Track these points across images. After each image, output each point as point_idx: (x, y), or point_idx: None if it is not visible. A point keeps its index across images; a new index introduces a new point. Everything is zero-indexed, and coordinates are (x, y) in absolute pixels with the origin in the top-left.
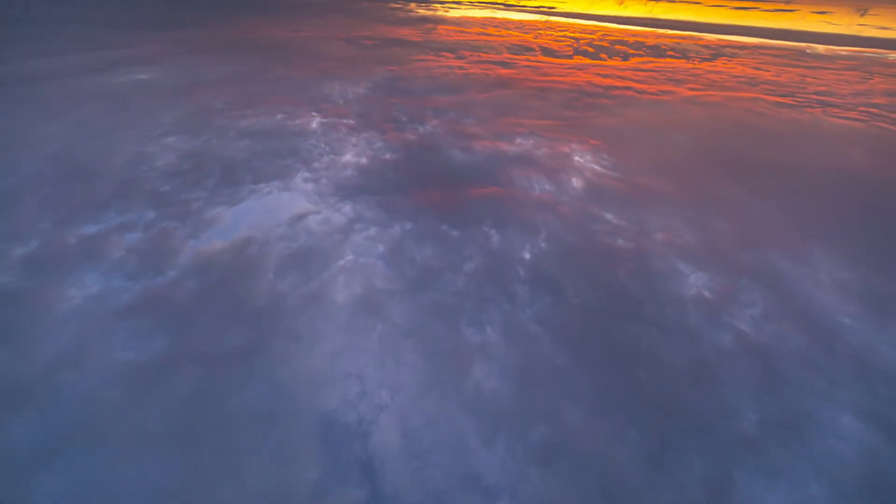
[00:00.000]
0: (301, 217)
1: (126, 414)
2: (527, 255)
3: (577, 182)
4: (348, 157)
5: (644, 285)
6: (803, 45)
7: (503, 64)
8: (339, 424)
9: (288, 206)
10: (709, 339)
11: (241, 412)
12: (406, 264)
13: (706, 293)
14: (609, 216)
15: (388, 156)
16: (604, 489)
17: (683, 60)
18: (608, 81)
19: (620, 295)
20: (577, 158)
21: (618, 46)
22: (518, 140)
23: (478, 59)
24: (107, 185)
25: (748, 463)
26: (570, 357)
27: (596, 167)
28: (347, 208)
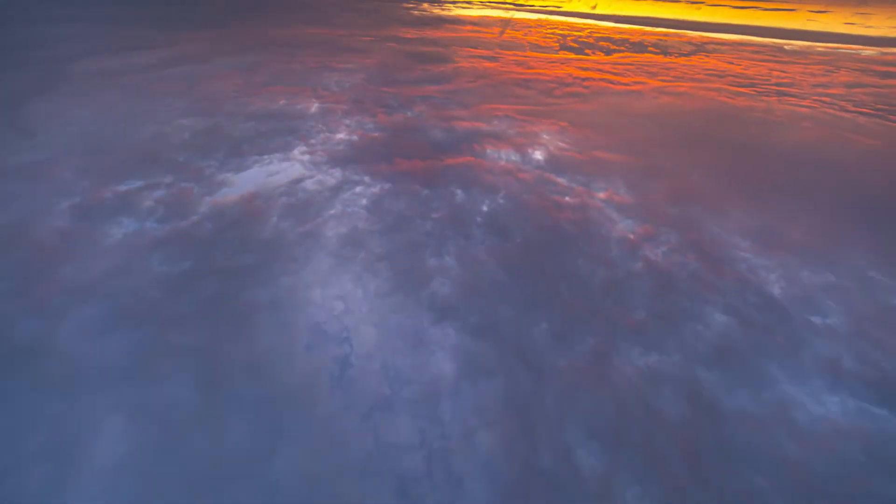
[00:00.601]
0: (299, 180)
1: (164, 305)
2: (484, 208)
3: (539, 154)
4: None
5: (579, 228)
6: (782, 41)
7: (490, 58)
8: (326, 308)
9: (288, 171)
10: (623, 265)
11: (251, 303)
12: (384, 213)
13: (630, 235)
14: (562, 180)
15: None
16: (517, 351)
17: (662, 56)
18: (587, 74)
19: (558, 235)
20: (544, 136)
21: (602, 43)
22: (494, 122)
23: (468, 53)
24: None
25: (631, 340)
26: (508, 275)
27: (560, 143)
28: (338, 173)
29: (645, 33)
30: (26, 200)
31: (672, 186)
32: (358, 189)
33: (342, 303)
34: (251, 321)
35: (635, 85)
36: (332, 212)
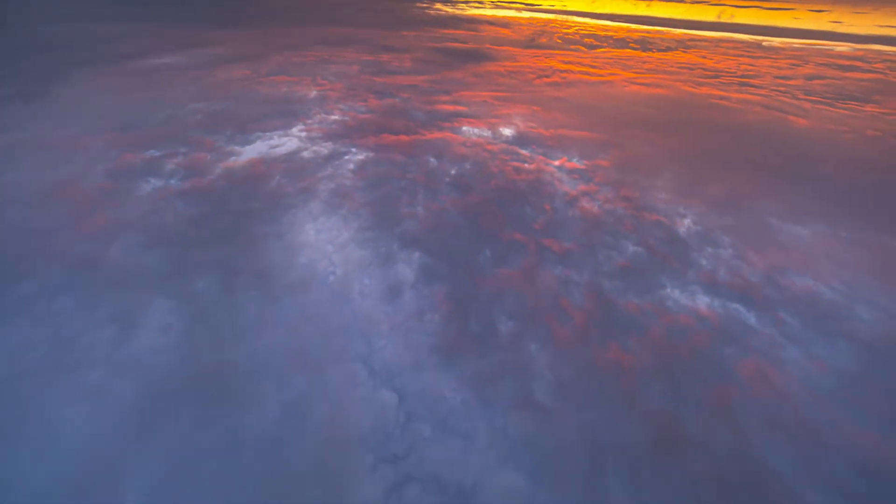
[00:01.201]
0: (297, 151)
1: (190, 234)
2: (453, 172)
3: (508, 131)
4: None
5: (530, 187)
6: (762, 38)
7: (480, 53)
8: (319, 237)
9: (287, 144)
10: (561, 211)
11: (259, 233)
12: (367, 174)
13: (573, 191)
14: (524, 151)
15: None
16: (464, 266)
17: (640, 51)
18: (566, 66)
19: (511, 191)
20: (515, 118)
21: (587, 39)
22: (473, 105)
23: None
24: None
25: (555, 261)
26: (465, 219)
27: (529, 123)
28: (329, 145)
29: (631, 30)
30: (83, 163)
31: (619, 156)
32: (345, 157)
33: (331, 233)
34: (259, 244)
35: (609, 76)
36: (323, 173)
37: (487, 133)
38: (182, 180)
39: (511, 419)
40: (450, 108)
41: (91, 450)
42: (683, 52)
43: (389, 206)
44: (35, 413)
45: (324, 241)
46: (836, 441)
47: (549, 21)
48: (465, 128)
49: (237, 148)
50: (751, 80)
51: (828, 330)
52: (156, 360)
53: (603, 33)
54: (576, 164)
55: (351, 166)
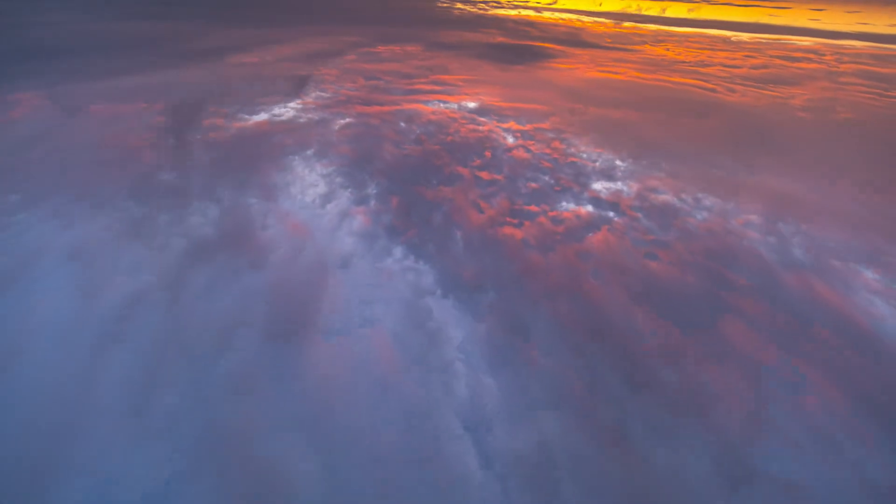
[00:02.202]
0: (293, 118)
1: (210, 172)
2: (417, 130)
3: (471, 104)
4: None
5: (478, 141)
6: (731, 33)
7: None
8: (309, 173)
9: (285, 113)
10: (498, 156)
11: (264, 170)
12: (348, 133)
13: (511, 142)
14: (482, 119)
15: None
16: (413, 186)
17: (607, 46)
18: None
19: (461, 143)
20: (481, 95)
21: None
22: (447, 85)
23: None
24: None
25: (482, 184)
26: (419, 160)
27: (493, 97)
28: (320, 113)
29: (607, 26)
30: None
31: (558, 121)
32: (332, 122)
33: (318, 170)
34: (263, 174)
35: (572, 65)
36: (314, 132)
37: (453, 105)
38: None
39: (433, 262)
40: (426, 86)
41: None
42: (651, 45)
43: (363, 154)
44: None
45: (313, 173)
46: (635, 266)
47: (585, 23)
48: (433, 100)
49: (245, 115)
50: (699, 69)
51: (665, 222)
52: (202, 230)
53: (580, 24)
54: (520, 126)
55: (335, 128)
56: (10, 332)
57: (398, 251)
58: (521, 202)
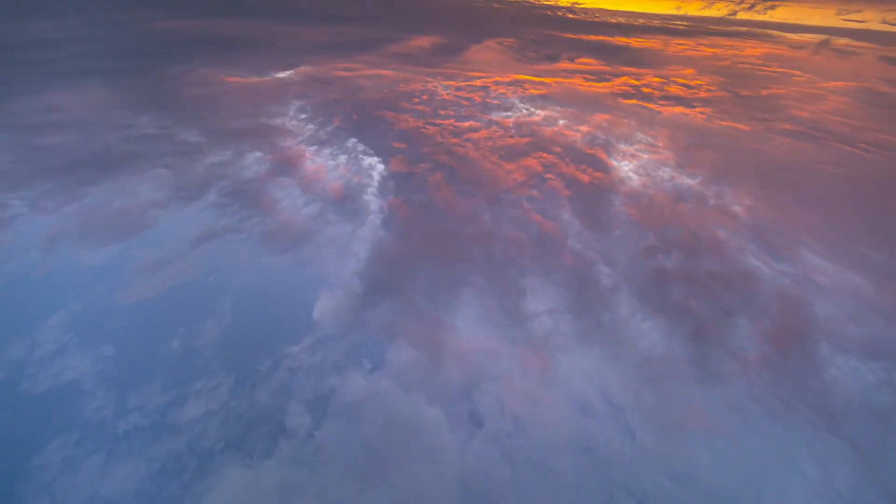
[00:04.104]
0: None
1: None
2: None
3: (442, 95)
4: None
5: (429, 93)
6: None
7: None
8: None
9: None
10: (437, 99)
11: (269, 119)
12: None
13: (446, 94)
14: (456, 96)
15: None
16: (377, 134)
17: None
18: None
19: (426, 110)
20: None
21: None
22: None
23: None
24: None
25: (439, 115)
26: (378, 100)
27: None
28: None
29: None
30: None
31: (495, 79)
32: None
33: (313, 122)
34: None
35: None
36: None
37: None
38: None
39: (371, 144)
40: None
41: None
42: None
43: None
44: None
45: (301, 122)
46: (496, 143)
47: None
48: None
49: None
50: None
51: (524, 130)
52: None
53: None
54: (457, 83)
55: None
56: None
57: (353, 140)
58: (458, 119)
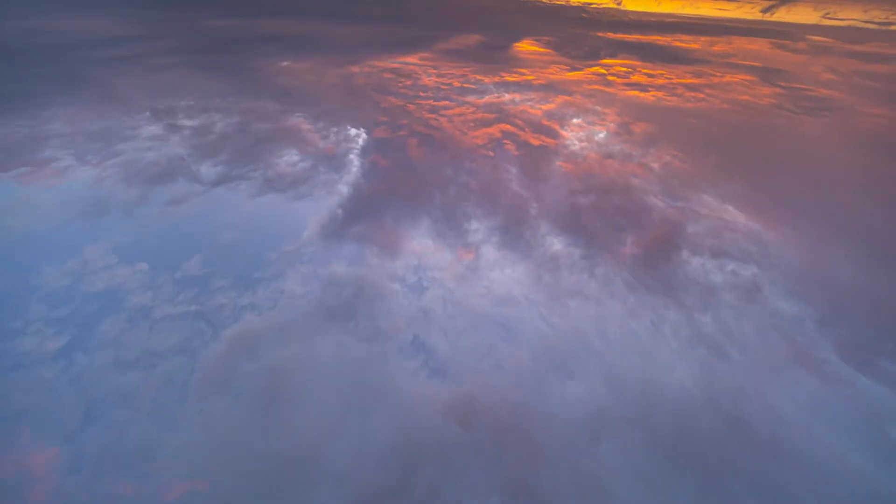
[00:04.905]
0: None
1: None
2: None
3: (428, 82)
4: None
5: (413, 78)
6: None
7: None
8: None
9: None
10: (419, 83)
11: (273, 96)
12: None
13: (427, 79)
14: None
15: None
16: (375, 98)
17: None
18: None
19: (403, 92)
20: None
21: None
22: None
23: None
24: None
25: (407, 95)
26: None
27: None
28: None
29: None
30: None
31: (474, 68)
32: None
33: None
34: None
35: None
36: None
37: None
38: None
39: (362, 126)
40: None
41: None
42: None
43: (332, 82)
44: None
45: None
46: (469, 118)
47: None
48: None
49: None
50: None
51: (492, 107)
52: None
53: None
54: (436, 72)
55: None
56: None
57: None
58: (440, 100)
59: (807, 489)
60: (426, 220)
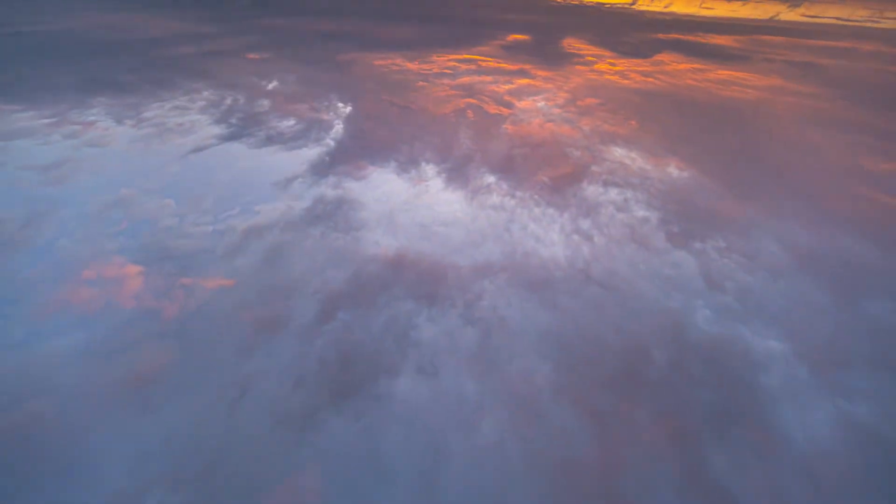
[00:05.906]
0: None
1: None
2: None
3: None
4: None
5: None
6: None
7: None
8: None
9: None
10: (409, 73)
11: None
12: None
13: (413, 66)
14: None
15: None
16: (359, 91)
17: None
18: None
19: (395, 83)
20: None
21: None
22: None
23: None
24: None
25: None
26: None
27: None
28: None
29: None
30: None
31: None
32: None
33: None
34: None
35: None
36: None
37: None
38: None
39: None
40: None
41: None
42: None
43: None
44: None
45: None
46: (452, 89)
47: None
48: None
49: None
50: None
51: (470, 89)
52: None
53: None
54: (421, 60)
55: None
56: None
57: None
58: (431, 79)
59: (619, 307)
60: (392, 162)
